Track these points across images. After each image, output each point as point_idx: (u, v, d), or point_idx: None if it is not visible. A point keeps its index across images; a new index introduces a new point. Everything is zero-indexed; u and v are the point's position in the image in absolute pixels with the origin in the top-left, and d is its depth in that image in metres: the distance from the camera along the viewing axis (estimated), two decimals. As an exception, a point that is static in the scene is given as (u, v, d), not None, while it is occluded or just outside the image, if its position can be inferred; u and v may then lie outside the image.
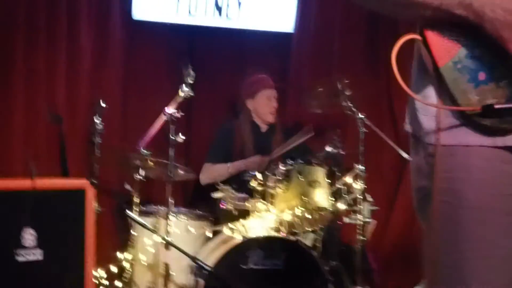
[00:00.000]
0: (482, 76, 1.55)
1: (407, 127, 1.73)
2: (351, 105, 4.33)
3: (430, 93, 1.63)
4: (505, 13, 1.49)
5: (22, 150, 4.43)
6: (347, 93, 4.33)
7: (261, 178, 3.97)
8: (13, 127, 4.44)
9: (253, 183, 3.96)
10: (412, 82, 1.71)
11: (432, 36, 1.58)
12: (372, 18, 5.15)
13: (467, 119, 1.57)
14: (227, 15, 5.31)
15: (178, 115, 3.79)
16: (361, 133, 4.31)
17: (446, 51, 1.58)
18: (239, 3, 5.33)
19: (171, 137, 3.78)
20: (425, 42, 1.59)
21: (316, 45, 5.47)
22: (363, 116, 4.31)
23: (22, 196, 3.12)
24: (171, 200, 3.75)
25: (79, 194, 3.34)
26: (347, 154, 4.40)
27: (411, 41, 1.60)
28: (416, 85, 1.68)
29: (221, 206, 4.04)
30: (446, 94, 1.57)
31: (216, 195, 4.05)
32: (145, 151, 3.89)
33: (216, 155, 4.67)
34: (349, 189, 4.16)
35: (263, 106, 4.77)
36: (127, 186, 4.09)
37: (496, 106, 1.51)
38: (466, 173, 1.57)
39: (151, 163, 3.95)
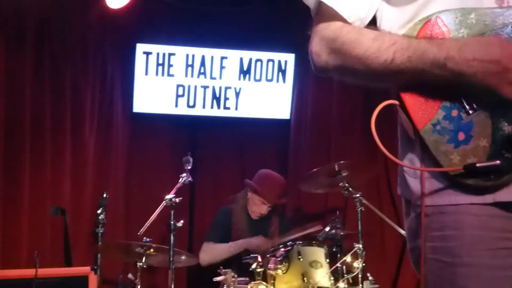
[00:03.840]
0: (461, 136, 1.55)
1: (398, 191, 1.71)
2: (347, 185, 4.36)
3: (415, 157, 1.63)
4: (482, 63, 1.49)
5: (28, 241, 4.48)
6: (344, 174, 4.36)
7: (261, 260, 3.97)
8: (20, 219, 4.51)
9: (254, 265, 3.95)
10: (399, 147, 1.71)
11: (410, 99, 1.59)
12: (368, 103, 5.24)
13: (451, 180, 1.55)
14: (225, 106, 5.46)
15: (177, 200, 3.83)
16: (358, 213, 4.30)
17: (425, 113, 1.57)
18: (237, 94, 5.49)
19: (171, 222, 3.81)
20: (403, 106, 1.59)
21: (313, 131, 5.58)
22: (359, 195, 4.33)
23: (25, 284, 3.16)
24: (172, 285, 3.75)
25: (82, 281, 3.37)
26: (347, 234, 4.40)
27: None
28: (401, 149, 1.69)
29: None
30: (428, 156, 1.57)
31: (218, 279, 4.02)
32: (146, 239, 3.91)
33: (216, 235, 4.67)
34: (350, 268, 4.12)
35: (256, 205, 4.76)
36: (130, 276, 4.07)
37: (478, 165, 1.50)
38: (457, 231, 1.55)
39: (152, 251, 3.94)
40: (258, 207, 4.74)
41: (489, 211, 1.54)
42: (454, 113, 1.56)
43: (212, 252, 4.59)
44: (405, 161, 1.64)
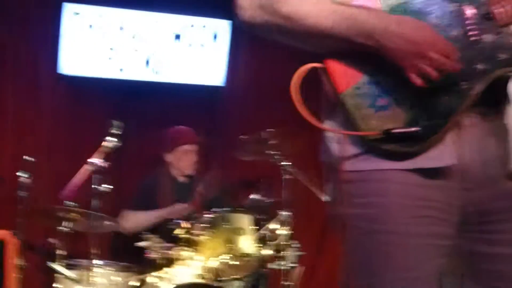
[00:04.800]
0: (382, 101, 1.58)
1: (322, 157, 1.72)
2: (275, 153, 4.41)
3: (336, 120, 1.64)
4: (406, 42, 1.53)
5: None
6: (273, 142, 4.41)
7: (186, 226, 3.99)
8: None
9: (178, 231, 3.97)
10: (322, 112, 1.71)
11: (334, 64, 1.61)
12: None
13: (371, 145, 1.58)
14: (157, 71, 5.44)
15: (103, 165, 3.79)
16: (284, 180, 4.37)
17: (348, 78, 1.60)
18: (170, 59, 5.47)
19: (95, 187, 3.78)
20: (326, 70, 1.61)
21: (246, 98, 5.62)
22: (287, 163, 4.37)
23: None
24: (95, 251, 3.72)
25: (-1, 245, 3.30)
26: (274, 201, 4.44)
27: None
28: (324, 115, 1.69)
29: (146, 255, 4.01)
30: (348, 120, 1.59)
31: (141, 244, 4.02)
32: (69, 203, 3.85)
33: (138, 204, 4.65)
34: (275, 235, 4.17)
35: (181, 161, 4.80)
36: (51, 240, 4.01)
37: (394, 131, 1.53)
38: (380, 198, 1.58)
39: (76, 215, 3.89)
40: (186, 158, 4.77)
41: (411, 179, 1.57)
42: (377, 78, 1.59)
43: (133, 220, 4.57)
44: (326, 124, 1.66)
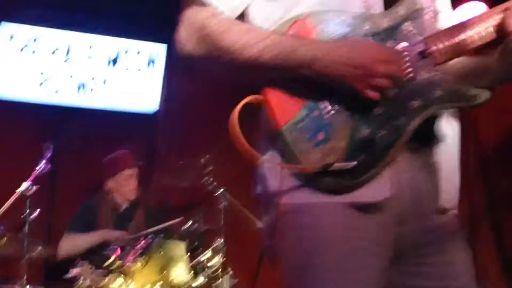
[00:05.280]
0: (321, 135, 1.57)
1: (258, 188, 1.69)
2: (212, 180, 4.43)
3: (275, 154, 1.62)
4: (349, 67, 1.53)
5: None
6: (210, 168, 4.45)
7: (121, 253, 3.95)
8: None
9: (112, 258, 3.93)
10: (259, 143, 1.69)
11: (273, 96, 1.60)
12: (238, 97, 5.28)
13: (310, 178, 1.56)
14: (91, 95, 5.39)
15: (33, 189, 3.74)
16: (221, 208, 4.39)
17: (287, 111, 1.59)
18: (104, 83, 5.42)
19: (27, 212, 3.72)
20: (266, 102, 1.60)
21: (181, 123, 5.61)
22: (223, 190, 4.41)
23: None
24: (25, 277, 3.66)
25: None
26: (209, 229, 4.46)
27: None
28: (262, 146, 1.67)
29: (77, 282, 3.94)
30: (288, 154, 1.57)
31: (72, 271, 3.95)
32: None
33: (77, 227, 4.59)
34: (209, 263, 4.16)
35: (123, 186, 4.76)
36: None
37: (335, 165, 1.53)
38: (316, 232, 1.57)
39: (5, 240, 3.82)
40: (127, 183, 4.74)
41: (347, 212, 1.57)
42: (316, 112, 1.58)
43: (70, 242, 4.52)
44: (264, 158, 1.64)
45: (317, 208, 1.57)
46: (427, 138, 1.65)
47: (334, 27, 1.61)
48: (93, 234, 4.50)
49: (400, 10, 1.64)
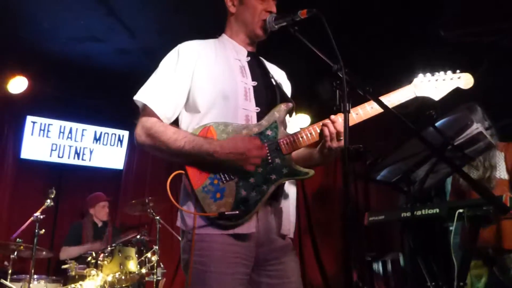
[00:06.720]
0: (218, 195, 1.54)
1: (178, 223, 1.64)
2: (152, 211, 4.41)
3: (191, 204, 1.58)
4: (234, 154, 1.50)
5: None
6: (151, 204, 4.42)
7: (94, 255, 3.91)
8: None
9: (89, 258, 3.90)
10: (180, 198, 1.65)
11: (191, 170, 1.55)
12: (171, 167, 5.12)
13: (211, 220, 1.54)
14: (83, 159, 5.23)
15: (41, 216, 3.65)
16: (157, 227, 4.34)
17: (199, 179, 1.54)
18: (91, 152, 5.31)
19: (35, 231, 3.65)
20: (186, 174, 1.55)
21: (136, 177, 5.48)
22: (159, 218, 4.39)
23: None
24: (32, 270, 3.54)
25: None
26: (150, 240, 4.41)
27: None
28: (182, 198, 1.63)
29: (68, 273, 3.90)
30: (198, 205, 1.55)
31: (64, 267, 3.93)
32: (18, 240, 3.70)
33: (70, 241, 4.50)
34: (150, 260, 4.11)
35: (99, 212, 4.72)
36: (6, 263, 3.81)
37: (226, 213, 1.51)
38: (210, 251, 1.53)
39: (22, 247, 3.75)
40: (102, 211, 4.65)
41: (229, 240, 1.54)
42: (215, 181, 1.55)
43: (67, 253, 4.41)
44: (184, 207, 1.60)
45: (212, 236, 1.55)
46: (277, 195, 1.65)
47: (226, 131, 1.58)
48: (81, 247, 4.40)
49: (264, 122, 1.63)
